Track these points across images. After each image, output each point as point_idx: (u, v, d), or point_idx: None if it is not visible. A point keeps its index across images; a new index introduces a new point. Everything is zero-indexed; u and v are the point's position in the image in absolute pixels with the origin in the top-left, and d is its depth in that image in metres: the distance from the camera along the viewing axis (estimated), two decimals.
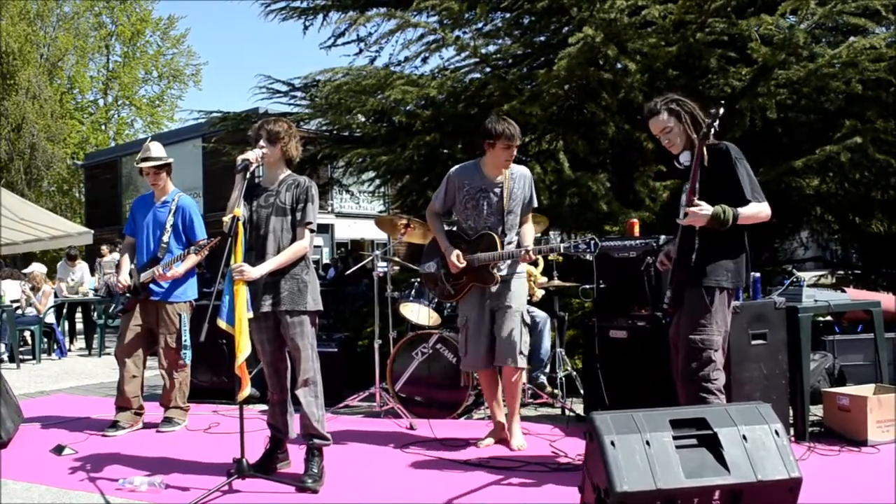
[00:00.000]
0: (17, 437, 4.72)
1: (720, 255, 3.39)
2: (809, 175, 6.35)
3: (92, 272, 11.96)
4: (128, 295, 5.02)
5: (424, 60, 7.93)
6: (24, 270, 10.93)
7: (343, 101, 7.54)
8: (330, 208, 21.72)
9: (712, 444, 2.71)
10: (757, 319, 4.16)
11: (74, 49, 31.16)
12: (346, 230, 22.58)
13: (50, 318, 9.99)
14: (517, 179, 4.35)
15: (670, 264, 3.55)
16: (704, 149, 3.34)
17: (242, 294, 3.55)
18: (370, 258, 5.94)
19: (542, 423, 4.97)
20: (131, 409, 5.03)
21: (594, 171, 6.71)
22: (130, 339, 5.02)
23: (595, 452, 2.71)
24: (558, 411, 5.28)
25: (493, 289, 4.30)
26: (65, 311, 10.87)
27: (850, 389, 4.47)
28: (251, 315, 3.60)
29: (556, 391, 5.38)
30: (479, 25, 7.68)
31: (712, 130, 3.29)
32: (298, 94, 8.86)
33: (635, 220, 5.18)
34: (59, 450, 4.41)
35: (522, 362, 4.30)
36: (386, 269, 5.86)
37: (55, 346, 10.06)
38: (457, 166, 4.49)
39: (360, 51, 8.73)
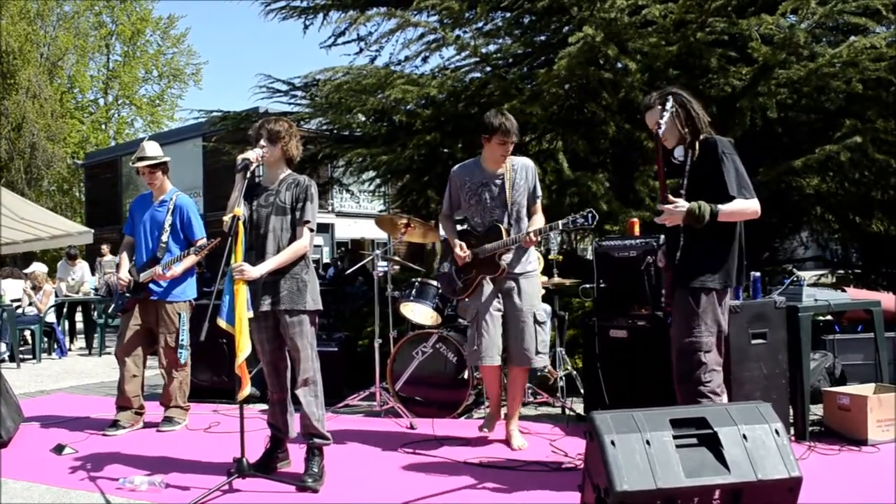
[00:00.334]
0: (18, 437, 4.72)
1: (706, 255, 3.32)
2: (809, 174, 6.35)
3: (92, 272, 11.96)
4: (127, 294, 5.02)
5: (425, 60, 7.94)
6: (25, 270, 10.93)
7: (343, 101, 7.54)
8: (330, 208, 21.71)
9: (712, 444, 2.71)
10: (757, 319, 4.16)
11: (74, 48, 31.13)
12: (347, 230, 22.56)
13: (50, 318, 9.99)
14: (519, 170, 4.37)
15: (665, 262, 3.54)
16: (696, 145, 3.33)
17: (242, 293, 3.55)
18: (370, 258, 5.95)
19: (542, 422, 4.97)
20: (132, 409, 5.04)
21: (594, 171, 6.72)
22: (130, 338, 5.02)
23: (595, 452, 2.71)
24: (558, 411, 5.29)
25: (505, 285, 4.31)
26: (65, 310, 10.87)
27: (851, 389, 4.47)
28: (251, 314, 3.60)
29: (557, 389, 5.38)
30: (480, 25, 7.69)
31: (662, 129, 3.25)
32: (299, 93, 8.86)
33: (635, 220, 5.18)
34: (59, 449, 4.41)
35: (540, 362, 4.33)
36: (386, 269, 5.86)
37: (55, 346, 10.06)
38: (457, 165, 4.53)
39: (361, 50, 8.74)
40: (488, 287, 4.36)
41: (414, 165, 7.71)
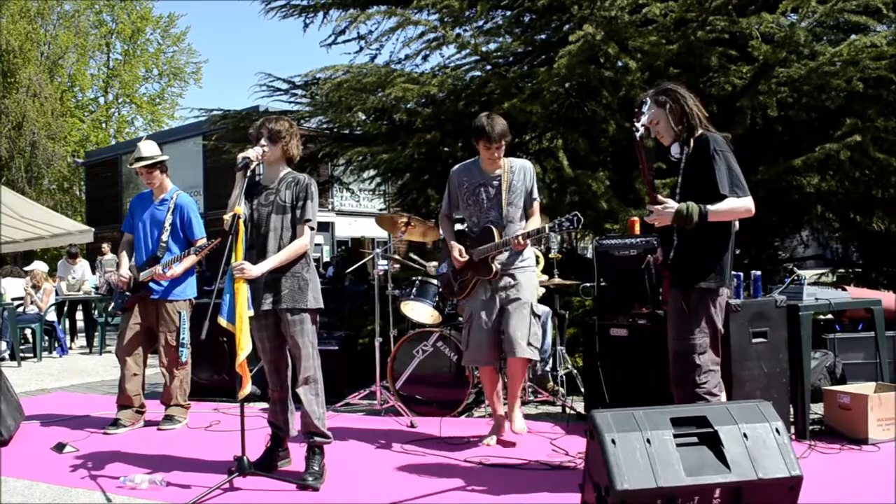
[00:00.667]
0: (18, 435, 4.72)
1: (700, 255, 3.29)
2: (810, 173, 6.34)
3: (93, 270, 11.96)
4: (128, 293, 5.02)
5: (425, 58, 7.94)
6: (26, 268, 10.93)
7: (343, 99, 7.54)
8: (330, 206, 21.71)
9: (713, 443, 2.71)
10: (758, 318, 4.16)
11: (75, 47, 31.09)
12: (347, 228, 22.55)
13: (51, 316, 9.99)
14: (517, 172, 4.37)
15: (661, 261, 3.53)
16: (692, 141, 3.32)
17: (243, 292, 3.55)
18: (370, 256, 5.95)
19: (542, 421, 4.97)
20: (132, 407, 5.04)
21: (594, 170, 6.71)
22: (131, 337, 5.02)
23: (596, 451, 2.71)
24: (559, 409, 5.29)
25: (501, 282, 4.32)
26: (65, 309, 10.87)
27: (851, 388, 4.47)
28: (252, 313, 3.60)
29: (557, 388, 5.39)
30: (480, 23, 7.68)
31: (639, 132, 3.24)
32: (299, 91, 8.86)
33: (636, 219, 5.18)
34: (60, 448, 4.41)
35: (530, 353, 4.28)
36: (386, 267, 5.86)
37: (56, 344, 10.06)
38: (457, 165, 4.54)
39: (361, 49, 8.73)
40: (484, 288, 4.36)
41: (414, 164, 7.70)
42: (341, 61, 8.63)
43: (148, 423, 5.10)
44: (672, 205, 3.23)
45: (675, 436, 2.70)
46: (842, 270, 8.58)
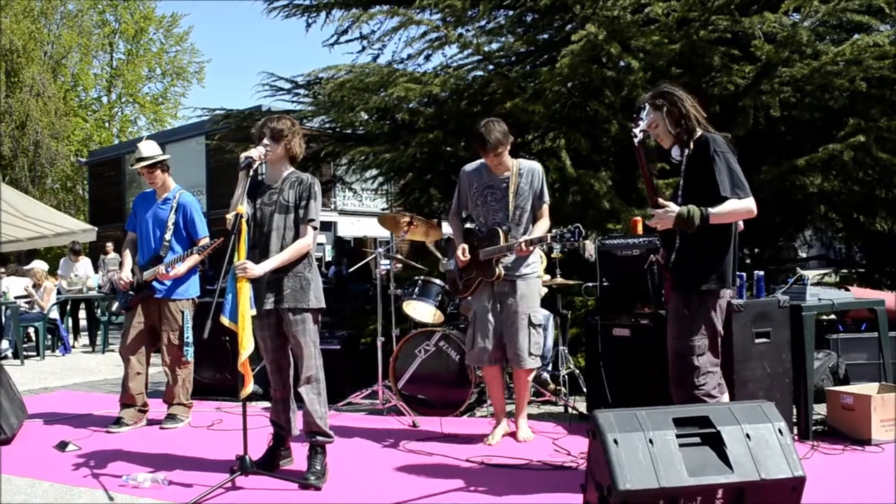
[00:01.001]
0: (21, 434, 4.73)
1: (701, 256, 3.28)
2: (813, 173, 6.32)
3: (96, 269, 11.98)
4: (131, 293, 5.03)
5: (427, 58, 7.93)
6: (25, 267, 10.93)
7: (346, 99, 7.54)
8: (333, 206, 21.72)
9: (715, 443, 2.70)
10: (761, 318, 4.15)
11: (78, 47, 31.15)
12: (349, 228, 22.56)
13: (54, 315, 10.01)
14: (525, 175, 4.39)
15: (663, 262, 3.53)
16: (692, 143, 3.32)
17: (246, 291, 3.55)
18: (372, 256, 5.95)
19: (544, 421, 4.97)
20: (135, 406, 5.04)
21: (597, 170, 6.70)
22: (134, 336, 5.03)
23: (598, 451, 2.71)
24: (561, 409, 5.28)
25: (500, 288, 4.37)
26: (68, 307, 10.88)
27: (854, 388, 4.46)
28: (254, 312, 3.61)
29: (559, 388, 5.39)
30: (482, 23, 7.67)
31: (637, 138, 3.24)
32: (301, 91, 8.85)
33: (638, 218, 5.17)
34: (62, 446, 4.42)
35: (531, 363, 4.38)
36: (389, 267, 5.86)
37: (59, 343, 10.07)
38: (467, 165, 4.58)
39: (363, 48, 8.72)
40: (487, 288, 4.41)
41: (416, 163, 7.70)
42: (344, 61, 8.64)
43: (150, 422, 5.11)
44: (673, 208, 3.23)
45: (678, 436, 2.70)
46: (845, 271, 8.56)
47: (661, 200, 3.26)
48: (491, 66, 7.42)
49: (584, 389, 5.30)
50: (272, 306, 3.72)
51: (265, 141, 3.75)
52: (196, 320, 5.06)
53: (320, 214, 3.82)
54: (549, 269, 5.68)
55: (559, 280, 5.45)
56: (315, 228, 3.78)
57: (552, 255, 5.64)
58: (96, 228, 12.80)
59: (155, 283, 4.98)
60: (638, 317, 4.68)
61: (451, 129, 7.33)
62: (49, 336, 9.93)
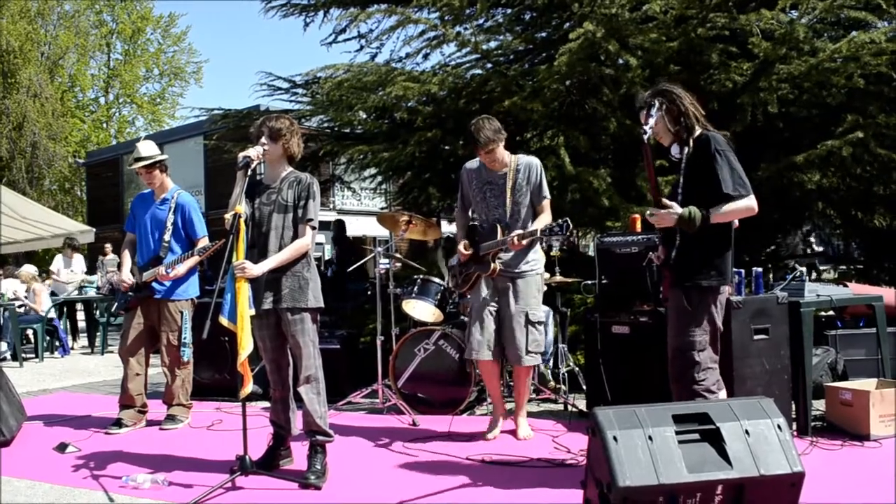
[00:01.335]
0: (21, 436, 4.72)
1: (702, 253, 3.30)
2: (811, 170, 6.33)
3: (94, 270, 11.97)
4: (130, 293, 5.02)
5: (425, 57, 7.93)
6: (16, 273, 10.88)
7: (344, 98, 7.53)
8: (332, 205, 21.70)
9: (715, 439, 2.71)
10: (759, 314, 4.15)
11: (75, 47, 31.11)
12: (348, 227, 22.55)
13: (52, 315, 9.98)
14: (522, 170, 4.40)
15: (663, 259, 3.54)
16: (692, 141, 3.33)
17: (244, 291, 3.55)
18: (371, 255, 5.95)
19: (544, 418, 4.97)
20: (134, 407, 5.04)
21: (595, 167, 6.70)
22: (133, 337, 5.02)
23: (597, 448, 2.71)
24: (561, 407, 5.29)
25: (500, 284, 4.40)
26: (65, 309, 10.85)
27: (853, 384, 4.47)
28: (253, 312, 3.60)
29: (558, 386, 5.39)
30: (480, 21, 7.67)
31: (647, 134, 3.25)
32: (300, 90, 8.85)
33: (637, 216, 5.17)
34: (62, 448, 4.41)
35: (530, 360, 4.41)
36: (388, 266, 5.86)
37: (58, 344, 10.06)
38: (468, 162, 4.61)
39: (361, 47, 8.71)
40: (486, 284, 4.43)
41: (415, 162, 7.70)
42: (342, 60, 8.64)
43: (150, 423, 5.10)
44: (675, 209, 3.24)
45: (677, 433, 2.70)
46: (843, 267, 8.58)
47: (664, 200, 3.28)
48: (489, 65, 7.42)
49: (584, 387, 5.30)
50: (271, 306, 3.71)
51: (263, 140, 3.75)
52: (195, 321, 5.06)
53: (319, 214, 3.82)
54: (549, 267, 5.68)
55: (558, 278, 5.45)
56: (314, 228, 3.78)
57: (551, 254, 5.64)
58: (94, 229, 12.81)
59: (154, 284, 4.98)
60: (637, 314, 4.69)
61: (450, 127, 7.33)
62: (48, 338, 9.92)
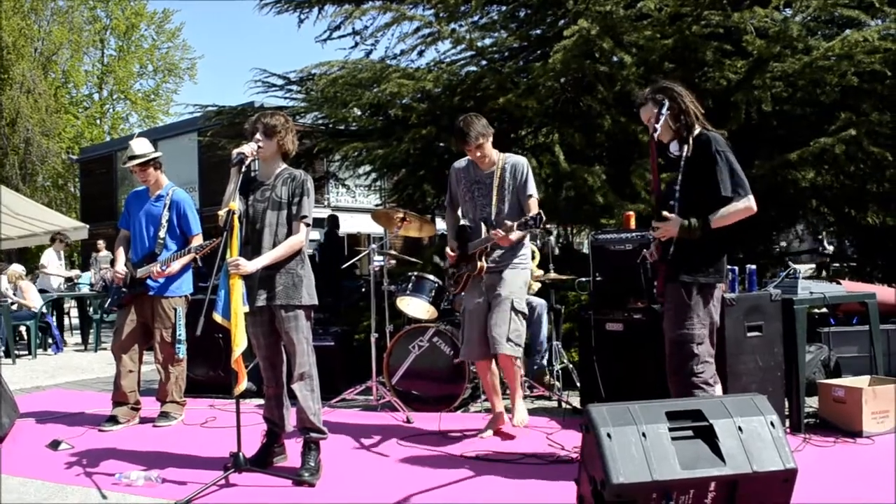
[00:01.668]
0: (13, 433, 4.71)
1: (699, 250, 3.36)
2: (805, 168, 6.35)
3: (87, 267, 11.94)
4: (124, 290, 5.01)
5: (420, 54, 7.93)
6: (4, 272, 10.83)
7: (339, 95, 7.52)
8: (326, 202, 21.66)
9: (708, 436, 2.71)
10: (753, 311, 4.16)
11: (69, 43, 31.00)
12: (343, 224, 22.50)
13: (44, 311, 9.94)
14: (509, 169, 4.40)
15: (658, 256, 3.55)
16: (692, 140, 3.35)
17: (238, 288, 3.54)
18: (365, 252, 5.94)
19: (538, 415, 4.97)
20: (128, 404, 5.03)
21: (590, 164, 6.71)
22: (126, 334, 5.01)
23: (591, 444, 2.72)
24: (555, 404, 5.29)
25: (489, 281, 4.39)
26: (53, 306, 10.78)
27: (846, 381, 4.48)
28: (247, 309, 3.60)
29: (552, 383, 5.40)
30: (475, 18, 7.67)
31: (658, 132, 3.29)
32: (294, 87, 8.83)
33: (631, 213, 5.18)
34: (55, 445, 4.40)
35: (511, 350, 4.29)
36: (382, 263, 5.85)
37: (51, 341, 10.02)
38: (456, 162, 4.59)
39: (356, 44, 8.70)
40: (478, 283, 4.43)
41: (410, 159, 7.69)
42: (336, 57, 8.64)
43: (143, 420, 5.09)
44: (676, 220, 3.31)
45: (671, 429, 2.71)
46: (836, 264, 8.60)
47: (665, 213, 3.34)
48: (484, 62, 7.41)
49: (578, 384, 5.31)
50: (264, 303, 3.71)
51: (258, 137, 3.74)
52: (189, 317, 5.04)
53: (313, 211, 3.82)
54: (543, 264, 5.69)
55: (552, 275, 5.46)
56: (308, 225, 3.77)
57: (544, 251, 5.65)
58: (88, 226, 12.77)
59: (148, 281, 4.96)
60: (631, 311, 4.69)
61: (444, 124, 7.32)
62: (40, 334, 9.88)
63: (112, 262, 5.21)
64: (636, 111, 3.66)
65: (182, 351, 5.05)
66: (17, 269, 10.28)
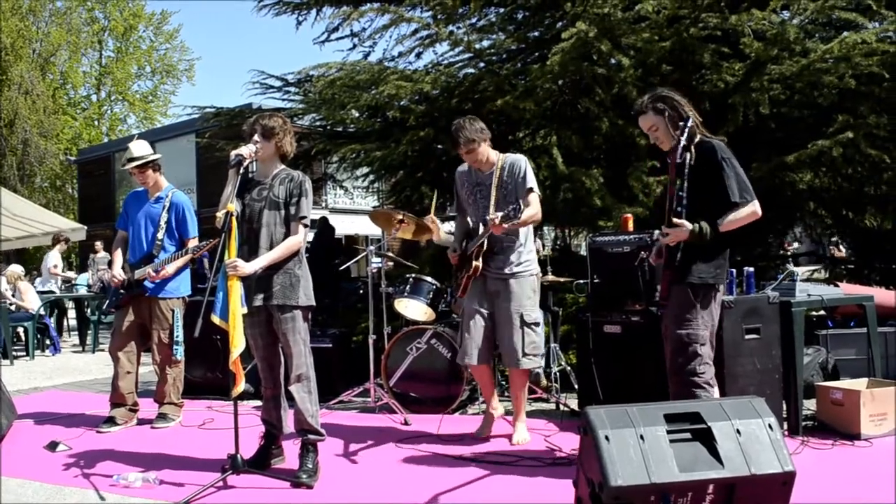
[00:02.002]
0: (11, 434, 4.70)
1: (705, 253, 3.41)
2: (802, 170, 6.36)
3: (85, 268, 11.93)
4: (122, 291, 5.00)
5: (418, 56, 7.93)
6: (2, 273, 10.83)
7: (337, 97, 7.52)
8: (324, 204, 21.66)
9: (706, 439, 2.72)
10: (751, 314, 4.17)
11: (67, 44, 30.98)
12: (340, 226, 22.51)
13: (42, 312, 9.93)
14: (507, 168, 4.39)
15: (662, 259, 3.57)
16: (693, 148, 3.37)
17: (236, 289, 3.54)
18: (363, 254, 5.94)
19: (536, 417, 4.97)
20: (125, 406, 5.02)
21: (588, 167, 6.70)
22: (124, 335, 5.01)
23: (589, 447, 2.72)
24: (553, 406, 5.30)
25: (492, 286, 4.36)
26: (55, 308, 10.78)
27: (844, 383, 4.49)
28: (245, 310, 3.59)
29: (550, 385, 5.40)
30: (473, 20, 7.67)
31: (682, 143, 3.32)
32: (292, 89, 8.82)
33: (629, 216, 5.18)
34: (53, 446, 4.40)
35: (527, 363, 4.32)
36: (380, 265, 5.85)
37: (49, 343, 10.01)
38: (460, 166, 4.62)
39: (354, 46, 8.71)
40: (479, 287, 4.40)
41: (408, 161, 7.68)
42: (334, 59, 8.59)
43: (141, 422, 5.09)
44: (686, 226, 3.33)
45: (669, 432, 2.71)
46: (837, 268, 8.60)
47: (675, 220, 3.36)
48: (482, 64, 7.41)
49: (576, 386, 5.31)
50: (261, 303, 3.70)
51: (256, 138, 3.74)
52: (187, 319, 5.04)
53: (311, 212, 3.81)
54: (540, 267, 5.69)
55: (550, 277, 5.46)
56: (306, 226, 3.77)
57: (542, 253, 5.65)
58: (86, 227, 12.76)
59: (146, 282, 4.96)
60: (629, 314, 4.69)
61: (442, 126, 7.31)
62: (38, 336, 9.86)
63: (110, 264, 5.20)
64: (634, 112, 3.66)
65: (180, 352, 5.04)
66: (16, 269, 10.26)
